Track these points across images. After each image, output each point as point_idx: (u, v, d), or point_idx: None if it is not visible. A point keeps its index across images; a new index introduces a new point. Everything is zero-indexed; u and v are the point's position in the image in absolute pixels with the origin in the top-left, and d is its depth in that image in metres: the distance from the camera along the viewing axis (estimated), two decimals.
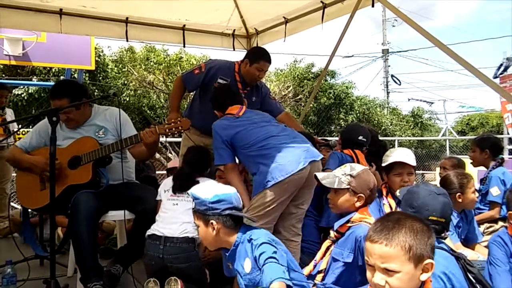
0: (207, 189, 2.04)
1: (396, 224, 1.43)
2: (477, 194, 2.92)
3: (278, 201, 2.58)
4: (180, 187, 2.77)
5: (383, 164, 2.96)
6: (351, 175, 2.26)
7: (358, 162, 3.22)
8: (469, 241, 2.91)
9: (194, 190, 2.06)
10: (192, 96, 4.02)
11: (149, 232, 2.69)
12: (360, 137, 3.32)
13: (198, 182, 2.69)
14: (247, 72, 3.54)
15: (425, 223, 1.48)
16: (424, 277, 1.41)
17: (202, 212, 2.00)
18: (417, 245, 1.38)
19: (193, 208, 2.06)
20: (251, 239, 1.93)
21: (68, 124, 3.05)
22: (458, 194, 2.76)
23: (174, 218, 2.69)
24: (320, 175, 2.31)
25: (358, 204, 2.25)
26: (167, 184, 2.88)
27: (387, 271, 1.38)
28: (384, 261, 1.39)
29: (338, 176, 2.27)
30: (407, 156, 2.90)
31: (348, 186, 2.24)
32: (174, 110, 3.76)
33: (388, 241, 1.39)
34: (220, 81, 3.56)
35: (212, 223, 1.98)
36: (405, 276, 1.37)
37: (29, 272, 3.04)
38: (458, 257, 1.88)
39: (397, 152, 2.93)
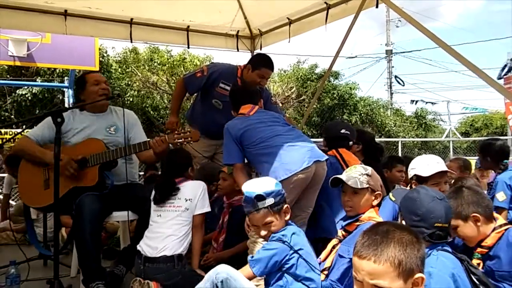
0: (267, 182, 2.19)
1: (384, 237, 1.37)
2: None
3: None
4: (161, 199, 2.73)
5: (418, 174, 2.77)
6: (367, 174, 2.29)
7: (344, 160, 3.04)
8: None
9: (262, 188, 2.13)
10: (194, 98, 4.03)
11: (138, 246, 2.69)
12: (343, 130, 3.16)
13: (178, 189, 2.73)
14: (249, 77, 3.56)
15: (414, 233, 1.43)
16: None
17: (278, 202, 2.12)
18: (406, 260, 1.33)
19: (270, 205, 2.11)
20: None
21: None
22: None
23: (157, 232, 2.67)
24: (344, 177, 2.31)
25: (375, 202, 2.30)
26: (153, 192, 2.84)
27: None
28: (373, 278, 1.33)
29: (357, 177, 2.28)
30: (443, 164, 2.79)
31: (368, 186, 2.27)
32: (173, 113, 3.81)
33: (377, 257, 1.33)
34: (222, 85, 3.58)
35: (287, 207, 2.18)
36: None
37: (29, 271, 3.04)
38: (462, 259, 1.87)
39: (428, 161, 2.78)
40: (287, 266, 2.06)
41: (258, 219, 2.13)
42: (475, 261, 2.10)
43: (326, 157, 2.78)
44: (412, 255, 1.34)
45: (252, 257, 2.09)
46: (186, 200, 2.72)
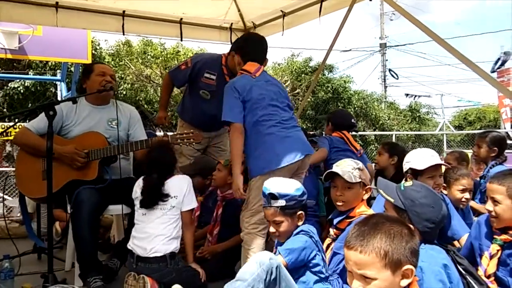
0: (288, 184, 2.19)
1: (372, 229, 1.38)
2: (468, 196, 2.87)
3: None
4: (150, 202, 2.63)
5: (413, 167, 2.76)
6: (359, 169, 2.30)
7: (350, 142, 3.63)
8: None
9: (278, 189, 2.15)
10: (183, 92, 4.01)
11: (128, 245, 2.66)
12: (353, 120, 3.82)
13: (167, 196, 2.63)
14: (234, 64, 3.52)
15: (406, 225, 1.43)
16: (404, 283, 1.36)
17: (292, 206, 2.14)
18: (393, 251, 1.33)
19: (281, 207, 2.14)
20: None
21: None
22: (444, 185, 2.80)
23: (144, 232, 2.61)
24: (338, 170, 2.31)
25: (366, 196, 2.32)
26: (136, 191, 2.75)
27: (364, 278, 1.34)
28: (360, 268, 1.35)
29: (350, 171, 2.28)
30: (437, 157, 2.80)
31: (360, 180, 2.28)
32: (162, 108, 3.85)
33: (363, 248, 1.35)
34: (206, 75, 3.56)
35: (301, 214, 2.18)
36: (383, 283, 1.33)
37: (20, 266, 3.03)
38: (448, 250, 1.88)
39: (423, 154, 2.80)
40: (312, 263, 2.09)
41: (268, 215, 2.20)
42: (494, 246, 2.08)
43: (314, 151, 2.90)
44: (400, 246, 1.35)
45: (282, 246, 2.12)
46: (172, 198, 2.66)
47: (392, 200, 1.89)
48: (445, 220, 1.94)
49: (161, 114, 3.80)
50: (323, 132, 3.95)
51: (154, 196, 2.64)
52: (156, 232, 2.57)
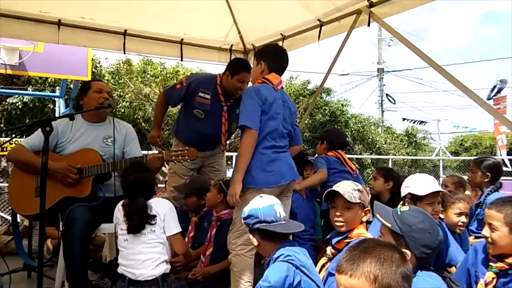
0: (249, 205, 2.18)
1: (362, 253, 1.37)
2: (465, 220, 2.86)
3: None
4: (136, 228, 2.48)
5: (412, 193, 2.70)
6: (359, 190, 2.29)
7: (346, 162, 3.61)
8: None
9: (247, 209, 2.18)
10: (178, 112, 4.03)
11: (117, 269, 2.55)
12: (347, 139, 3.91)
13: (154, 217, 2.49)
14: (229, 84, 3.55)
15: (398, 250, 1.42)
16: None
17: (250, 227, 2.17)
18: (383, 275, 1.31)
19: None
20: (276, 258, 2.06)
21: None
22: (441, 210, 2.77)
23: (130, 259, 2.50)
24: (340, 190, 2.29)
25: (364, 218, 2.30)
26: (117, 217, 2.62)
27: None
28: None
29: (350, 191, 2.27)
30: (437, 184, 2.76)
31: (360, 201, 2.27)
32: (155, 127, 3.86)
33: (353, 271, 1.33)
34: (201, 94, 3.58)
35: (253, 236, 2.16)
36: None
37: (10, 283, 2.98)
38: (444, 277, 1.86)
39: (423, 180, 2.75)
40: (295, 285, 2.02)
41: None
42: (490, 274, 2.04)
43: (300, 177, 2.95)
44: (390, 270, 1.32)
45: (264, 280, 1.99)
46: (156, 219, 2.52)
47: (389, 225, 1.87)
48: (441, 246, 1.91)
49: (154, 133, 3.80)
50: (315, 151, 3.93)
51: (142, 220, 2.49)
52: (142, 258, 2.46)
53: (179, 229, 2.59)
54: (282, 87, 2.84)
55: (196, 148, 3.18)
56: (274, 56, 2.88)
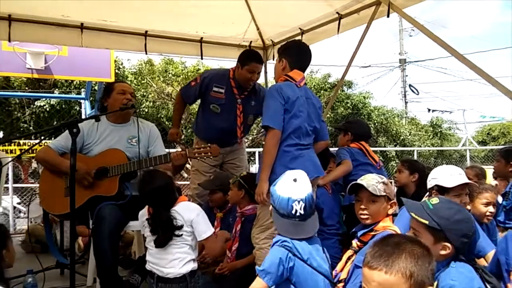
0: (278, 183, 2.15)
1: (395, 248, 1.36)
2: (492, 210, 2.82)
3: None
4: (162, 244, 2.39)
5: (440, 185, 2.66)
6: (383, 183, 2.28)
7: (369, 153, 3.54)
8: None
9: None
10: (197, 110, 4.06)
11: (146, 266, 2.54)
12: (371, 131, 3.70)
13: (181, 227, 2.40)
14: (240, 75, 3.59)
15: (425, 247, 1.42)
16: None
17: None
18: (418, 272, 1.31)
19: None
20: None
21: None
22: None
23: (158, 258, 2.46)
24: (364, 183, 2.28)
25: (391, 211, 2.28)
26: (143, 221, 2.55)
27: None
28: None
29: (374, 184, 2.26)
30: (465, 176, 2.71)
31: (385, 194, 2.25)
32: (174, 124, 3.93)
33: (388, 268, 1.32)
34: (215, 89, 3.64)
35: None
36: None
37: (44, 280, 3.08)
38: (477, 268, 1.84)
39: (451, 172, 2.71)
40: (292, 273, 2.01)
41: None
42: None
43: (324, 173, 2.92)
44: (424, 267, 1.33)
45: (260, 267, 2.02)
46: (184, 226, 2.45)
47: (426, 222, 1.83)
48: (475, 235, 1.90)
49: (173, 130, 3.87)
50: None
51: (169, 233, 2.39)
52: (170, 258, 2.44)
53: (211, 231, 2.51)
54: (305, 83, 2.82)
55: (216, 144, 3.23)
56: (295, 52, 2.85)
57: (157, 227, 2.40)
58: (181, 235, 2.42)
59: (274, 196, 2.13)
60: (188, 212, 2.46)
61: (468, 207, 2.76)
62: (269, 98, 2.65)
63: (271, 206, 2.19)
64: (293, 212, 2.05)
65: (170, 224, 2.38)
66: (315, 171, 2.71)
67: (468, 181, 2.69)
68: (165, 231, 2.38)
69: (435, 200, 1.93)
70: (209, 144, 3.00)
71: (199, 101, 3.91)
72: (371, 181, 2.29)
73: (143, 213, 2.56)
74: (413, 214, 1.88)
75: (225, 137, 3.71)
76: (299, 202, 2.07)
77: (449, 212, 1.83)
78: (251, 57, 3.58)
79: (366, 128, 3.79)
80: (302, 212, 2.06)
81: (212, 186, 3.42)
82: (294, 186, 2.11)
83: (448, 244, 1.76)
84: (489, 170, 4.13)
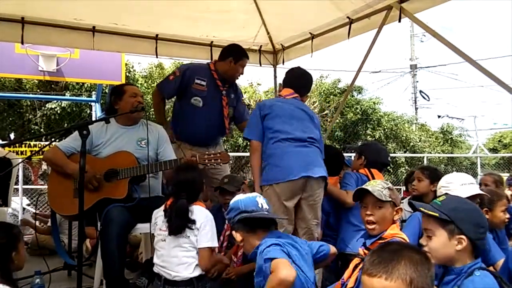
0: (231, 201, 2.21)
1: (394, 255, 1.35)
2: (508, 216, 2.79)
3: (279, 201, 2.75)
4: (177, 229, 2.43)
5: (451, 194, 2.52)
6: (389, 188, 2.27)
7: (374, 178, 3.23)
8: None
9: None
10: (172, 111, 3.94)
11: (153, 268, 2.55)
12: (389, 159, 3.46)
13: (194, 222, 2.43)
14: (231, 69, 3.65)
15: (424, 253, 1.41)
16: None
17: (232, 225, 2.18)
18: (418, 278, 1.30)
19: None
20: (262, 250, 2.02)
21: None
22: (486, 209, 2.68)
23: (166, 261, 2.47)
24: (369, 188, 2.26)
25: (396, 217, 2.26)
26: (157, 217, 2.59)
27: None
28: None
29: (380, 190, 2.24)
30: (476, 185, 2.72)
31: (390, 199, 2.23)
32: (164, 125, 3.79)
33: (388, 275, 1.31)
34: (197, 81, 3.62)
35: (236, 232, 2.17)
36: None
37: (50, 282, 3.08)
38: (496, 276, 1.80)
39: (463, 180, 2.68)
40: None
41: None
42: None
43: (322, 174, 2.85)
44: (423, 273, 1.32)
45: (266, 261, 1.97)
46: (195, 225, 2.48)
47: (436, 214, 1.80)
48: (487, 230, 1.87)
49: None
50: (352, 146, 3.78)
51: (183, 221, 2.44)
52: (177, 261, 2.45)
53: (211, 244, 2.48)
54: (297, 99, 3.07)
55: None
56: (286, 76, 3.20)
57: (173, 213, 2.45)
58: (189, 235, 2.45)
59: (236, 204, 2.18)
60: (200, 215, 2.49)
61: (487, 216, 2.72)
62: (251, 114, 3.00)
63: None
64: (260, 205, 2.15)
65: (185, 214, 2.44)
66: (303, 170, 2.76)
67: (479, 192, 2.66)
68: (180, 218, 2.43)
69: (442, 197, 1.93)
70: (219, 151, 3.03)
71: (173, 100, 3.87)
72: (376, 186, 2.27)
73: (158, 210, 2.61)
74: (422, 209, 1.87)
75: (212, 131, 3.71)
76: (260, 197, 2.22)
77: (457, 204, 1.85)
78: (244, 53, 3.71)
79: (381, 155, 3.36)
80: (266, 206, 2.17)
81: (233, 187, 3.40)
82: (248, 193, 2.29)
83: (463, 237, 1.74)
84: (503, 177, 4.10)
